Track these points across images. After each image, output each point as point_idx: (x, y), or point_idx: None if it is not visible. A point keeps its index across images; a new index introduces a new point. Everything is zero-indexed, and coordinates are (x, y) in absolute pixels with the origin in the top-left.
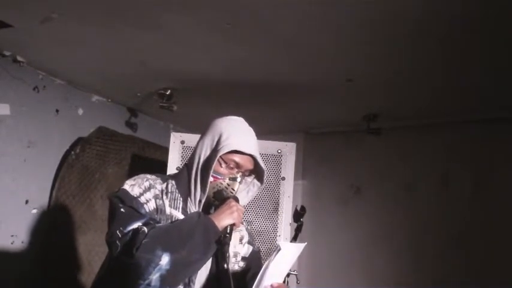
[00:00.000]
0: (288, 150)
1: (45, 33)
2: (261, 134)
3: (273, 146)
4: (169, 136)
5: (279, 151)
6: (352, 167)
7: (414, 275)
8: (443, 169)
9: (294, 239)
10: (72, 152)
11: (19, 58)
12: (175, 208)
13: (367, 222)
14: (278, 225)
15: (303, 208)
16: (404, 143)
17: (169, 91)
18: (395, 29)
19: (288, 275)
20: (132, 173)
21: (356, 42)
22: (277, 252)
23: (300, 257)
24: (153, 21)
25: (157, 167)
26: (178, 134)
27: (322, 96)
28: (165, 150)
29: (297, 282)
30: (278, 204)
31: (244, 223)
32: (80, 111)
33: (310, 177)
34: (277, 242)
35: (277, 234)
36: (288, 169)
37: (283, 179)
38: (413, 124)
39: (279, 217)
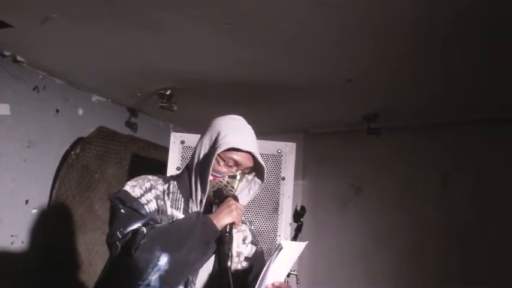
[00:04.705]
0: (288, 150)
1: (45, 33)
2: (261, 134)
3: (273, 146)
4: (169, 136)
5: (279, 151)
6: (352, 167)
7: (414, 275)
8: (443, 169)
9: (294, 239)
10: (72, 152)
11: (19, 58)
12: (177, 209)
13: (367, 223)
14: (278, 225)
15: (303, 208)
16: (404, 143)
17: (169, 91)
18: (395, 29)
19: (288, 275)
20: (132, 173)
21: (356, 42)
22: (279, 251)
23: (300, 257)
24: (153, 21)
25: (157, 167)
26: (178, 134)
27: (322, 96)
28: (165, 150)
29: (297, 282)
30: (278, 204)
31: (247, 223)
32: (80, 111)
33: (310, 177)
34: (278, 241)
35: (277, 234)
36: (288, 169)
37: (283, 179)
38: (413, 124)
39: (279, 217)
